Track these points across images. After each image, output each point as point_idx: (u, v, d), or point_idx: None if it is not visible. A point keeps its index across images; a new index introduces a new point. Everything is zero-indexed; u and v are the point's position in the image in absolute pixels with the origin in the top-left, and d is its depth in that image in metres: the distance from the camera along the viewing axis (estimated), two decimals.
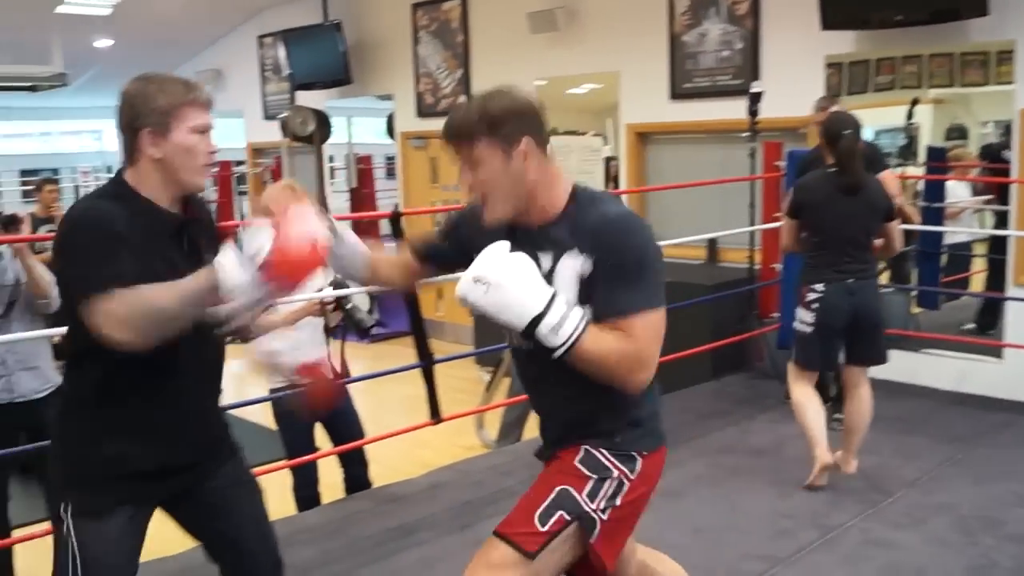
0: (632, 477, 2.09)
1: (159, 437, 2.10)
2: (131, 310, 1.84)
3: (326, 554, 3.64)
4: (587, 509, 2.06)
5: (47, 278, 3.73)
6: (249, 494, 2.33)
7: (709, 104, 6.81)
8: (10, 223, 3.53)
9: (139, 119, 2.04)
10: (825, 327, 4.09)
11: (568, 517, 2.05)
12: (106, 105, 11.28)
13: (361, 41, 9.49)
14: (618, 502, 2.08)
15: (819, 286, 4.08)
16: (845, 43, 5.99)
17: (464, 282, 1.92)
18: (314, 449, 4.34)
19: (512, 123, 1.98)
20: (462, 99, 8.65)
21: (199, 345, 2.09)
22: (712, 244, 6.84)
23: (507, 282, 1.89)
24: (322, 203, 9.68)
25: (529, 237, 2.04)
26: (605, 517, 2.06)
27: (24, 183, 13.21)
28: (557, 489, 2.08)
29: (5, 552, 3.82)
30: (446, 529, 3.85)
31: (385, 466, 5.21)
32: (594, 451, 2.11)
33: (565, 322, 1.90)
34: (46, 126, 15.35)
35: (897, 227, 4.15)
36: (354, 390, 4.50)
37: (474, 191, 2.04)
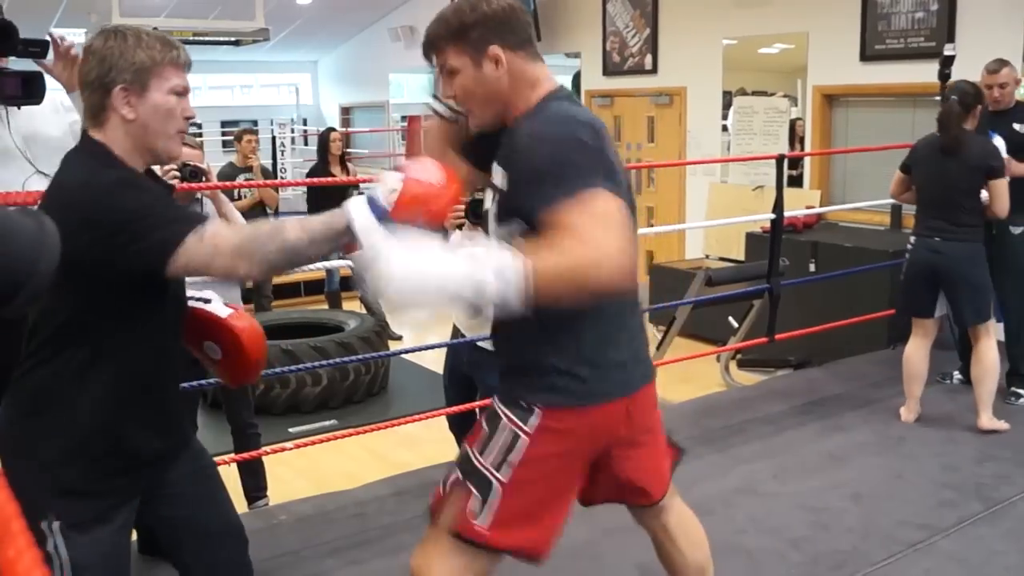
0: (528, 431, 1.88)
1: (141, 425, 1.97)
2: (252, 240, 1.78)
3: None
4: (478, 465, 1.91)
5: (242, 223, 3.95)
6: (210, 478, 2.21)
7: (900, 67, 6.59)
8: (194, 175, 3.68)
9: (112, 75, 1.85)
10: (908, 278, 4.48)
11: (460, 475, 1.94)
12: (304, 60, 11.85)
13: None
14: (514, 459, 1.88)
15: (912, 239, 4.49)
16: None
17: (369, 292, 1.73)
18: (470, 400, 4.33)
19: (478, 29, 1.90)
20: (648, 58, 8.66)
21: (170, 330, 2.01)
22: (896, 210, 6.64)
23: (396, 268, 1.63)
24: None
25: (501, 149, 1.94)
26: (502, 477, 1.88)
27: (224, 134, 13.83)
28: (463, 447, 1.99)
29: None
30: None
31: None
32: (496, 401, 1.96)
33: (497, 274, 1.62)
34: (246, 79, 16.05)
35: (1000, 188, 4.22)
36: None
37: (456, 101, 1.99)
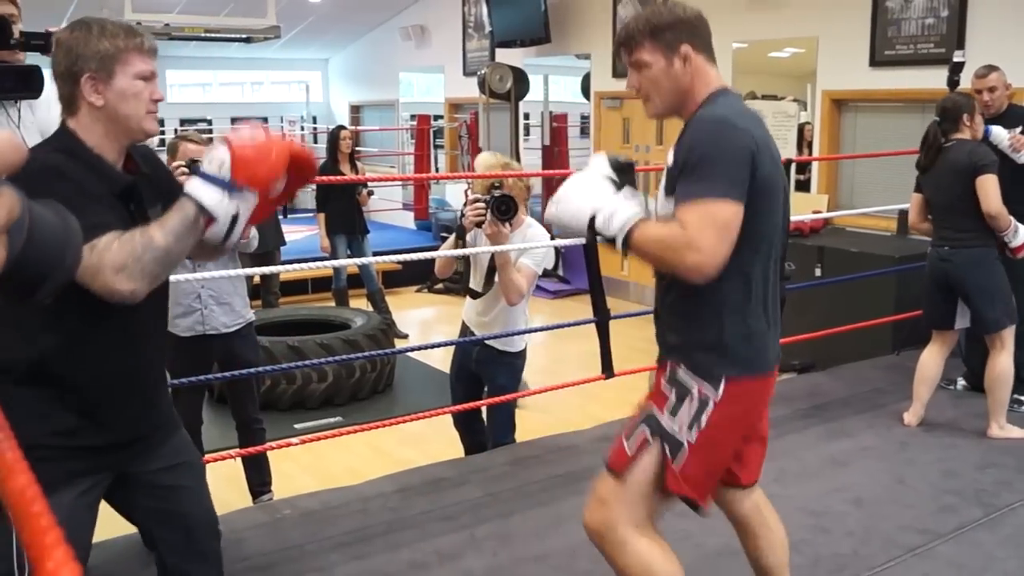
0: (716, 398, 2.14)
1: (110, 404, 2.05)
2: (129, 255, 1.82)
3: (493, 496, 3.81)
4: (668, 428, 2.16)
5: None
6: (193, 472, 2.29)
7: (910, 72, 6.60)
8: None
9: (78, 64, 1.95)
10: (926, 288, 4.54)
11: (649, 436, 2.17)
12: (314, 58, 11.89)
13: (562, 1, 9.60)
14: (703, 423, 2.14)
15: (928, 249, 4.57)
16: None
17: (548, 206, 2.21)
18: (475, 398, 4.30)
19: (673, 31, 2.19)
20: None
21: (145, 318, 2.07)
22: (904, 216, 6.64)
23: (569, 194, 2.15)
24: (515, 159, 9.90)
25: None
26: (692, 438, 2.14)
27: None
28: (644, 409, 2.23)
29: None
30: None
31: (557, 417, 5.40)
32: (678, 368, 2.20)
33: (614, 216, 2.07)
34: (257, 76, 16.08)
35: (985, 184, 4.20)
36: (533, 343, 4.60)
37: (639, 92, 2.26)
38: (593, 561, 2.49)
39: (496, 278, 3.97)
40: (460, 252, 4.01)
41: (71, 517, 1.95)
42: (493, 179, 3.96)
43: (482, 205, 3.83)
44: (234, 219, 1.92)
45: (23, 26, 2.94)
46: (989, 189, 4.19)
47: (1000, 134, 4.54)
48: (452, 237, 4.10)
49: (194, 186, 1.89)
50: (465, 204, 3.97)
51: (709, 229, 2.01)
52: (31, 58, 3.03)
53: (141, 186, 2.06)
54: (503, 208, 3.81)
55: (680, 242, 2.01)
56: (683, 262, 2.02)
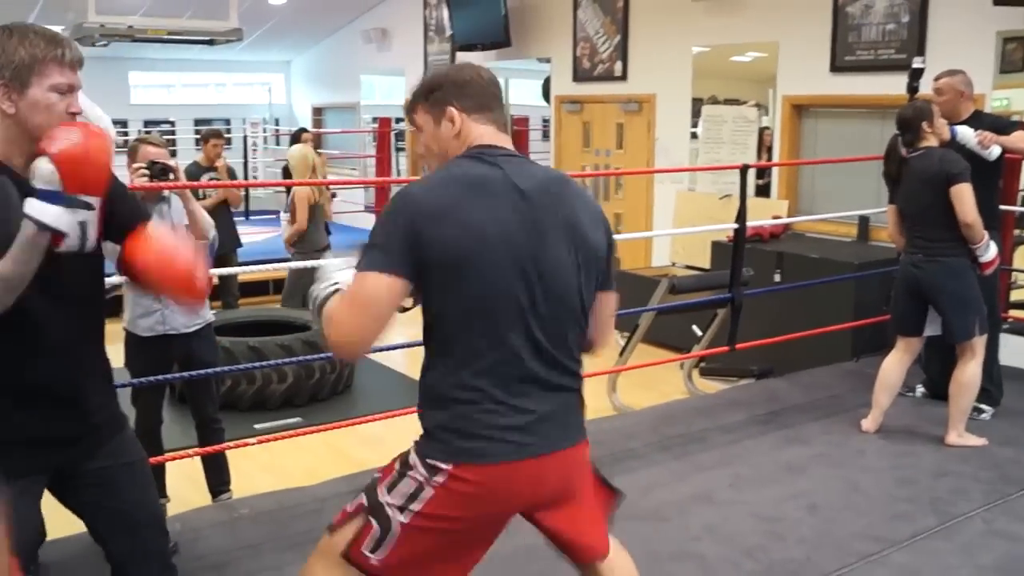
0: (434, 482, 1.92)
1: (34, 406, 2.04)
2: None
3: None
4: (382, 500, 1.97)
5: (208, 221, 3.97)
6: (136, 471, 2.27)
7: (870, 78, 6.63)
8: (163, 172, 3.74)
9: None
10: (896, 294, 4.53)
11: (365, 503, 1.99)
12: (277, 60, 11.83)
13: (522, 4, 9.60)
14: (417, 508, 1.93)
15: (902, 256, 4.55)
16: (1018, 19, 5.75)
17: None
18: None
19: (441, 91, 2.06)
20: (618, 64, 8.68)
21: (65, 312, 2.05)
22: (864, 222, 6.70)
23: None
24: None
25: None
26: (404, 519, 1.94)
27: (197, 132, 13.98)
28: (379, 471, 2.06)
29: (158, 472, 4.10)
30: None
31: None
32: (414, 443, 2.02)
33: (322, 285, 2.05)
34: (220, 78, 15.99)
35: (960, 193, 4.17)
36: None
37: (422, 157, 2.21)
38: (547, 562, 2.45)
39: None
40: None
41: (13, 515, 1.82)
42: None
43: None
44: (83, 228, 1.90)
45: None
46: (965, 198, 4.15)
47: (966, 133, 4.53)
48: None
49: (32, 206, 1.86)
50: None
51: (350, 304, 1.91)
52: None
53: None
54: None
55: (325, 317, 1.97)
56: (328, 337, 1.95)
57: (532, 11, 9.59)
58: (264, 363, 5.15)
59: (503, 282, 1.91)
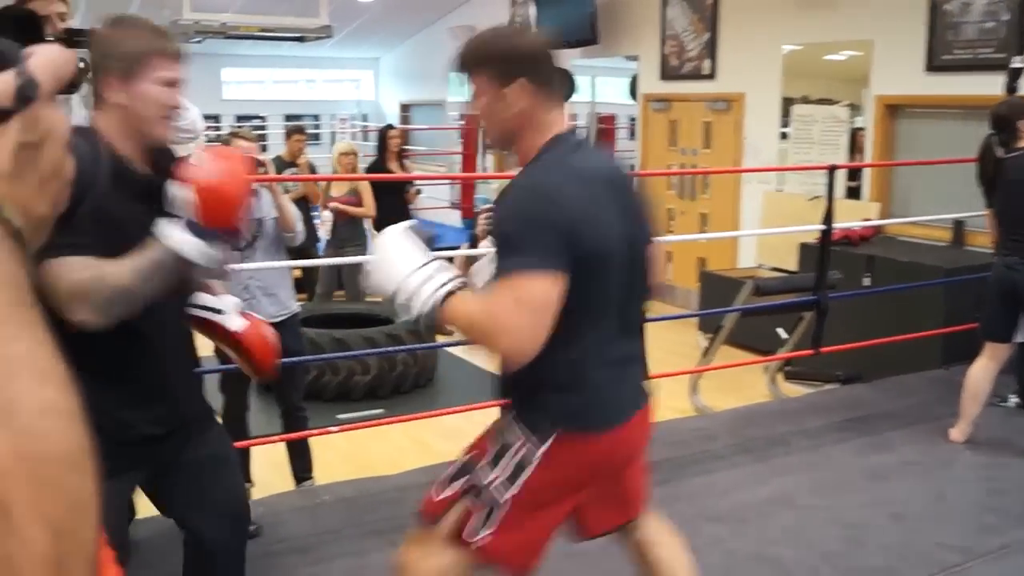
0: (538, 453, 1.96)
1: (135, 404, 2.05)
2: (83, 285, 1.81)
3: None
4: (484, 481, 1.98)
5: (295, 214, 4.06)
6: (225, 463, 2.31)
7: (968, 78, 6.44)
8: (256, 166, 3.84)
9: (106, 61, 1.98)
10: (988, 298, 4.40)
11: (465, 485, 2.01)
12: (366, 56, 11.95)
13: (610, 1, 9.56)
14: (523, 480, 1.96)
15: (995, 258, 4.42)
16: None
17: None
18: None
19: (508, 62, 1.99)
20: (707, 62, 8.61)
21: (162, 311, 2.03)
22: (959, 226, 6.53)
23: (380, 262, 1.97)
24: None
25: None
26: (511, 493, 1.96)
27: (286, 129, 14.31)
28: (468, 455, 2.08)
29: (243, 458, 4.19)
30: None
31: None
32: (505, 416, 2.04)
33: (413, 300, 1.90)
34: (310, 74, 16.24)
35: None
36: None
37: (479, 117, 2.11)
38: (622, 561, 2.46)
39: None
40: (472, 252, 4.02)
41: (110, 512, 1.91)
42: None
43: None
44: (216, 260, 1.95)
45: (82, 22, 3.02)
46: None
47: None
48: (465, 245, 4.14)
49: (170, 234, 1.89)
50: (478, 214, 4.01)
51: (516, 311, 1.82)
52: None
53: (159, 185, 2.00)
54: None
55: (488, 325, 1.85)
56: (496, 347, 1.87)
57: (620, 8, 9.55)
58: (348, 353, 5.22)
59: (622, 270, 1.99)
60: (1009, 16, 6.18)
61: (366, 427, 4.23)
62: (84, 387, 1.65)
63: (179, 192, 1.91)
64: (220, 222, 1.91)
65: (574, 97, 10.27)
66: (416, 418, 4.32)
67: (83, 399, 1.63)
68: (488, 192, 12.37)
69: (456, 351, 6.99)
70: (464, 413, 4.33)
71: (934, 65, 6.69)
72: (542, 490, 1.98)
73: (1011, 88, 5.35)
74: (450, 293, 1.89)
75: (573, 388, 1.98)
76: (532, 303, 1.83)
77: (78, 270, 1.82)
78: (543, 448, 1.95)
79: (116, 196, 1.86)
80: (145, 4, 10.41)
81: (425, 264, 1.93)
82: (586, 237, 1.89)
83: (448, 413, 4.44)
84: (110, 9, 3.94)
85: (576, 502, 2.09)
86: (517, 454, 1.96)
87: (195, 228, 1.89)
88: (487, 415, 4.27)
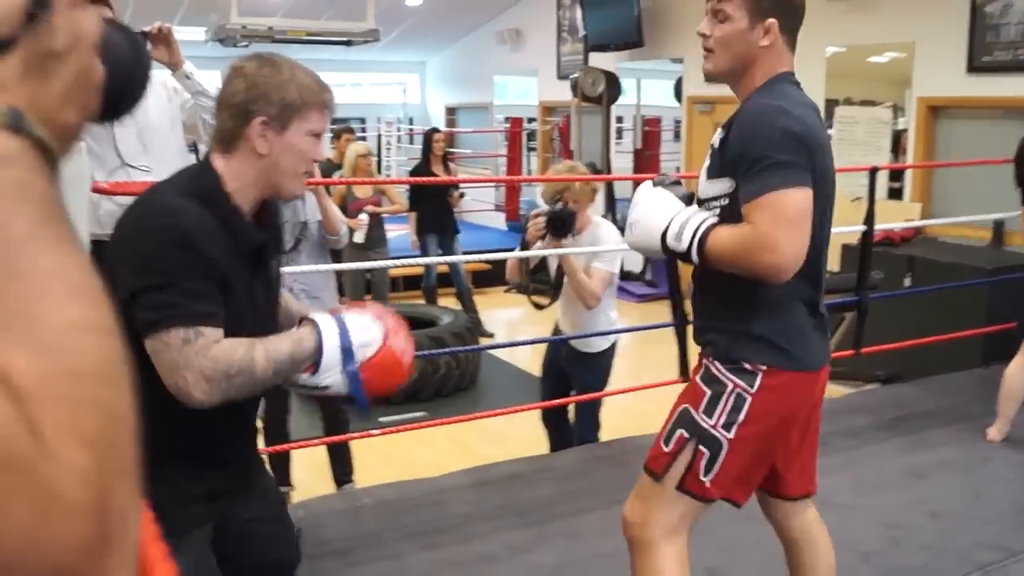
0: (751, 391, 2.08)
1: (211, 463, 1.91)
2: (222, 371, 1.67)
3: (566, 494, 3.88)
4: (705, 426, 2.10)
5: (340, 217, 4.15)
6: (276, 510, 2.23)
7: (1009, 79, 6.44)
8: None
9: (258, 104, 1.79)
10: None
11: (687, 435, 2.12)
12: (412, 60, 12.02)
13: (656, 5, 9.61)
14: (741, 418, 2.08)
15: None
16: None
17: (626, 232, 2.18)
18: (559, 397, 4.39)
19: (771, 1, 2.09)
20: None
21: None
22: (999, 226, 6.51)
23: (639, 216, 2.12)
24: (606, 163, 9.93)
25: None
26: (730, 435, 2.08)
27: (332, 131, 14.37)
28: (680, 408, 2.18)
29: (284, 461, 4.27)
30: None
31: (635, 420, 5.42)
32: (711, 364, 2.15)
33: (685, 228, 2.03)
34: (357, 78, 16.36)
35: None
36: (617, 349, 4.64)
37: (706, 40, 2.16)
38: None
39: (565, 284, 4.05)
40: (527, 254, 4.09)
41: (197, 566, 1.85)
42: (556, 190, 3.99)
43: (542, 220, 3.89)
44: (324, 387, 1.84)
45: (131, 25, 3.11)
46: None
47: None
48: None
49: (329, 336, 1.80)
50: (528, 219, 4.05)
51: (782, 225, 1.91)
52: None
53: (266, 243, 1.90)
54: (559, 224, 3.87)
55: (753, 243, 1.93)
56: (759, 263, 1.93)
57: (665, 11, 9.59)
58: None
59: (830, 209, 2.16)
60: None
61: (408, 430, 4.26)
62: (170, 446, 1.68)
63: (366, 326, 1.85)
64: (372, 389, 1.85)
65: (620, 99, 10.33)
66: (458, 420, 4.38)
67: (168, 458, 1.64)
68: (532, 195, 12.45)
69: (498, 353, 7.08)
70: (506, 416, 4.40)
71: (975, 66, 6.68)
72: (757, 426, 2.10)
73: None
74: (712, 226, 2.01)
75: (778, 329, 2.10)
76: (794, 218, 1.93)
77: (227, 352, 1.69)
78: (755, 387, 2.08)
79: (232, 261, 1.78)
80: (192, 9, 10.56)
81: (683, 209, 2.08)
82: (818, 160, 2.01)
83: (490, 416, 4.50)
84: (157, 14, 4.06)
85: (781, 446, 2.22)
86: (731, 396, 2.09)
87: (349, 355, 1.81)
88: (528, 418, 4.38)
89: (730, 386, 2.10)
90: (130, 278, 1.66)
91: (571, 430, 4.42)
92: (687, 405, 2.17)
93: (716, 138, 2.14)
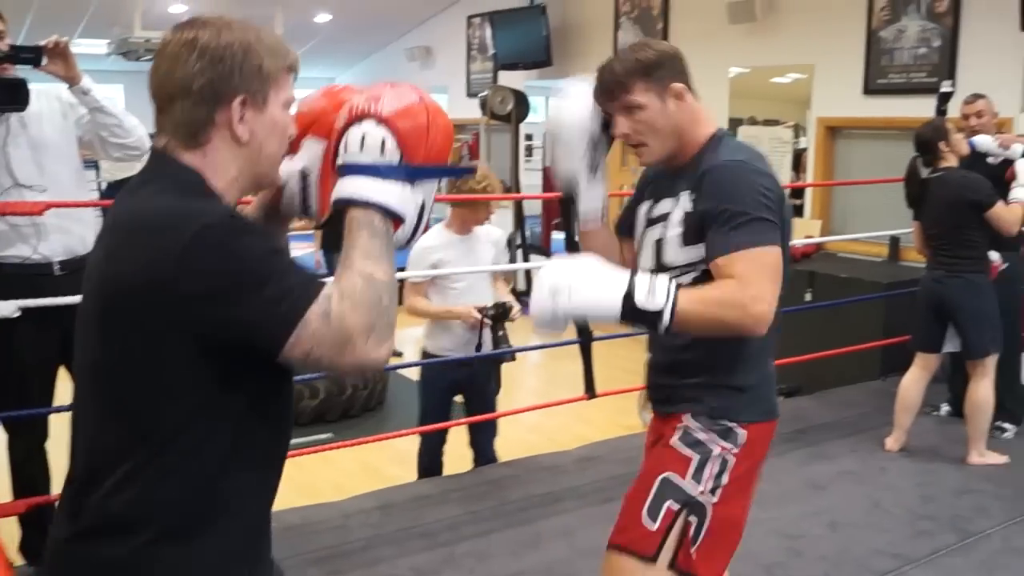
0: (735, 451, 2.04)
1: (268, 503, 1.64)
2: (371, 307, 1.28)
3: (473, 514, 3.87)
4: (693, 493, 2.02)
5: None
6: None
7: (902, 101, 6.65)
8: None
9: (232, 80, 1.37)
10: (918, 310, 4.56)
11: (676, 507, 2.01)
12: (321, 76, 11.94)
13: (564, 24, 9.70)
14: (725, 480, 2.03)
15: (924, 272, 4.62)
16: None
17: (538, 302, 1.83)
18: (446, 419, 4.39)
19: (664, 68, 2.08)
20: None
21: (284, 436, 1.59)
22: (895, 242, 6.70)
23: (580, 281, 1.82)
24: (515, 181, 9.97)
25: (666, 183, 2.13)
26: (715, 499, 2.02)
27: None
28: (660, 478, 2.04)
29: None
30: (590, 500, 4.01)
31: (544, 437, 5.44)
32: (691, 425, 2.06)
33: (655, 288, 1.83)
34: None
35: (997, 215, 4.27)
36: (526, 365, 4.67)
37: (631, 138, 2.10)
38: None
39: None
40: (431, 273, 4.20)
41: None
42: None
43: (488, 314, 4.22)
44: (422, 212, 1.42)
45: (23, 39, 3.02)
46: (1002, 217, 4.27)
47: (984, 141, 4.64)
48: None
49: (360, 187, 1.36)
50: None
51: (763, 279, 1.89)
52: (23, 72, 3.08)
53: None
54: (500, 317, 4.23)
55: (739, 296, 1.86)
56: (747, 314, 1.86)
57: (573, 31, 9.69)
58: (296, 378, 5.22)
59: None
60: (940, 43, 6.39)
61: (313, 452, 4.21)
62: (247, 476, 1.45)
63: (361, 128, 1.39)
64: (428, 154, 1.41)
65: (529, 117, 10.39)
66: (365, 442, 4.33)
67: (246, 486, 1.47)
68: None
69: (406, 373, 7.02)
70: (414, 436, 4.37)
71: (871, 88, 6.88)
72: (739, 483, 2.06)
73: (940, 111, 5.51)
74: (678, 286, 1.87)
75: (759, 380, 2.11)
76: (772, 273, 1.92)
77: (349, 291, 1.28)
78: (738, 446, 2.05)
79: None
80: (93, 22, 10.33)
81: (632, 273, 1.87)
82: (784, 221, 2.01)
83: (398, 436, 4.46)
84: (57, 27, 3.93)
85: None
86: (717, 460, 2.04)
87: (391, 171, 1.37)
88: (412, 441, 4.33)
89: (717, 450, 2.04)
90: (219, 292, 1.27)
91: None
92: (668, 473, 2.04)
93: (682, 202, 2.05)
